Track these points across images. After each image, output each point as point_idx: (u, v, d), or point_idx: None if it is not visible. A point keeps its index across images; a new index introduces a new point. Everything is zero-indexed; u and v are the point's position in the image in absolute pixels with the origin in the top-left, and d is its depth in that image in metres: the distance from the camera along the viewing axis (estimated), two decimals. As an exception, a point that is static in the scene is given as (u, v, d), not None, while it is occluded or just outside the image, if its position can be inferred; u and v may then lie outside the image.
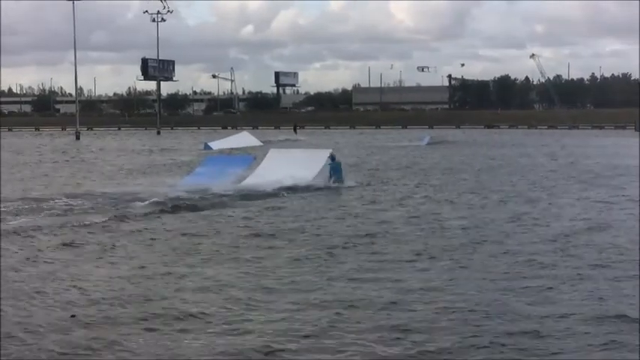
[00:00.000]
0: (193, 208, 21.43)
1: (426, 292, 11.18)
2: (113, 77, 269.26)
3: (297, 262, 13.58)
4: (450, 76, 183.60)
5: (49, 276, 12.44)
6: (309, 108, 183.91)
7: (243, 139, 66.78)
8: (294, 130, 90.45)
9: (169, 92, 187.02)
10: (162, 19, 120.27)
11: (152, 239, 16.23)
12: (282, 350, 8.63)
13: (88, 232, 17.04)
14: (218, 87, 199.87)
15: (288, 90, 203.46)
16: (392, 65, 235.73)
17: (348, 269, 12.87)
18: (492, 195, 24.59)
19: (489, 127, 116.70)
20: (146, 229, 17.59)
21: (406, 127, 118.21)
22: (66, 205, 22.00)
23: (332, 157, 29.24)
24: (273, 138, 75.34)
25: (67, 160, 47.05)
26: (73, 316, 9.96)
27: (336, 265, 13.31)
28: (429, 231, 17.14)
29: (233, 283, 11.86)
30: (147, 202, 22.18)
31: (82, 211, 20.54)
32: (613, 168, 35.74)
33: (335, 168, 28.61)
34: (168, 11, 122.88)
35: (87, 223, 18.31)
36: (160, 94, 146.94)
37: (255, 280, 12.14)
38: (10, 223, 18.16)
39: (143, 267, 13.18)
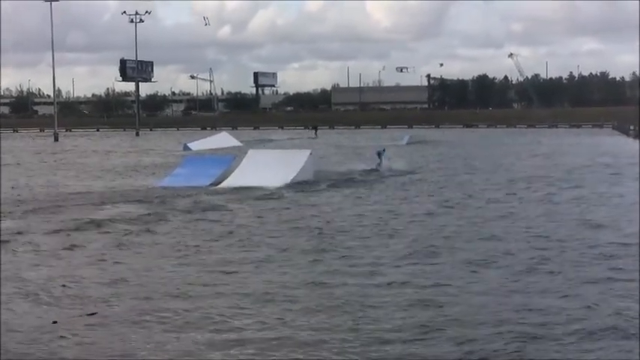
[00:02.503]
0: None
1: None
2: (91, 78, 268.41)
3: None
4: (428, 76, 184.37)
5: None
6: (289, 108, 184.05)
7: (223, 139, 66.71)
8: (314, 130, 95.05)
9: (148, 93, 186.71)
10: (141, 20, 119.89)
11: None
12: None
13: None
14: (197, 88, 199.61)
15: (267, 90, 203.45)
16: (384, 66, 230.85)
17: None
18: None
19: (468, 126, 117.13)
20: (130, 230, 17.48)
21: (385, 127, 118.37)
22: (42, 205, 21.87)
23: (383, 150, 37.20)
24: (297, 136, 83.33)
25: (45, 162, 46.74)
26: (54, 322, 9.83)
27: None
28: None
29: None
30: (123, 204, 22.15)
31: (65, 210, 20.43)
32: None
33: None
34: (146, 12, 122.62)
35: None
36: (138, 95, 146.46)
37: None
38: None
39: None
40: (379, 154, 36.35)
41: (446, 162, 41.20)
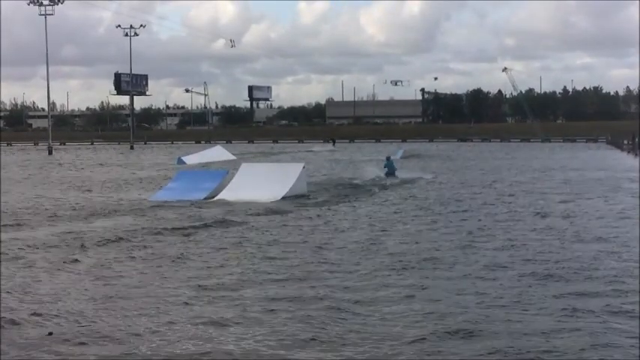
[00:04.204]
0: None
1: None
2: (85, 92, 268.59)
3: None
4: (423, 90, 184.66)
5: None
6: (283, 122, 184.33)
7: (217, 153, 66.76)
8: (333, 142, 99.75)
9: (143, 107, 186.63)
10: (135, 34, 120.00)
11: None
12: None
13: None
14: (191, 101, 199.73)
15: (262, 104, 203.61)
16: (385, 81, 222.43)
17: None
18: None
19: (462, 140, 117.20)
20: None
21: (379, 141, 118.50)
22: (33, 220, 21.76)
23: (387, 158, 39.32)
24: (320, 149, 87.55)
25: (35, 175, 46.57)
26: (50, 333, 9.72)
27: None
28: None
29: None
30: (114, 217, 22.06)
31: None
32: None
33: (390, 166, 37.63)
34: (141, 25, 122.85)
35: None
36: (133, 109, 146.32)
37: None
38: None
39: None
40: (387, 163, 38.08)
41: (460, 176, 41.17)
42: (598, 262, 14.23)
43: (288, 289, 12.23)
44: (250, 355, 8.83)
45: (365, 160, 60.30)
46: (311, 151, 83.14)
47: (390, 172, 37.71)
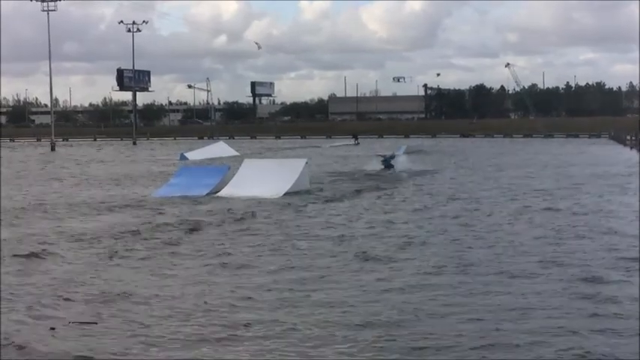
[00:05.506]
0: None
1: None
2: (87, 88, 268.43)
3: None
4: (425, 86, 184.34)
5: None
6: (286, 118, 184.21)
7: (220, 149, 66.62)
8: (355, 138, 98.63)
9: (145, 102, 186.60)
10: (138, 30, 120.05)
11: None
12: None
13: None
14: (194, 97, 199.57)
15: (265, 100, 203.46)
16: (395, 78, 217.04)
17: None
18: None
19: (465, 136, 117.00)
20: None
21: (382, 137, 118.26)
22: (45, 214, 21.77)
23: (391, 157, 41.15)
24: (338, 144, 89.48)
25: (37, 171, 46.54)
26: (52, 328, 9.72)
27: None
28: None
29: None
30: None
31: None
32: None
33: (387, 162, 39.86)
34: (144, 21, 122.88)
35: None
36: (135, 105, 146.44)
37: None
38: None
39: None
40: (387, 162, 39.76)
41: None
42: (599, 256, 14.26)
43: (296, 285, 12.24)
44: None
45: (369, 155, 60.16)
46: (333, 146, 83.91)
47: (388, 165, 39.45)
